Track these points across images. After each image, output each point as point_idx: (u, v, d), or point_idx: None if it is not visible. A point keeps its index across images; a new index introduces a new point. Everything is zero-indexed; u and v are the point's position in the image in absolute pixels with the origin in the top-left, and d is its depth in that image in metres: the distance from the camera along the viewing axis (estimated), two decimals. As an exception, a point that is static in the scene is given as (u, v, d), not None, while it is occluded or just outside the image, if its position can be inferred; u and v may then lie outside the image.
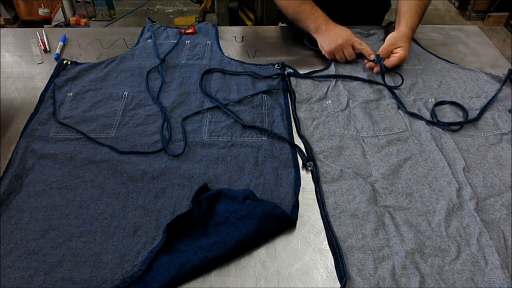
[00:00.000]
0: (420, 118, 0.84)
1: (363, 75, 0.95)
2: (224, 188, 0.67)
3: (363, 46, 0.96)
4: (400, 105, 0.87)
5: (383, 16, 1.28)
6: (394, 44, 0.95)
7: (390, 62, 0.94)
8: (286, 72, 0.95)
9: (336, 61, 0.99)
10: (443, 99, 0.89)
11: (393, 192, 0.70)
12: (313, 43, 1.03)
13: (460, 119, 0.85)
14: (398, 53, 0.94)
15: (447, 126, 0.82)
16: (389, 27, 1.11)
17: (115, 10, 2.96)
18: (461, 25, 1.35)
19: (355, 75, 0.95)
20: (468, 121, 0.84)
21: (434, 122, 0.83)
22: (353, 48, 0.97)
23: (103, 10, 2.89)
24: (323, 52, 1.00)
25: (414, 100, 0.89)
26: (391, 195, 0.70)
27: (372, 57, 0.94)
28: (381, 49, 0.95)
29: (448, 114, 0.86)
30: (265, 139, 0.79)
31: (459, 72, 0.97)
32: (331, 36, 0.96)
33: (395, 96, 0.89)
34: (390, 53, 0.95)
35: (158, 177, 0.72)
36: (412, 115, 0.85)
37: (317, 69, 0.98)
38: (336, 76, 0.94)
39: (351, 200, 0.68)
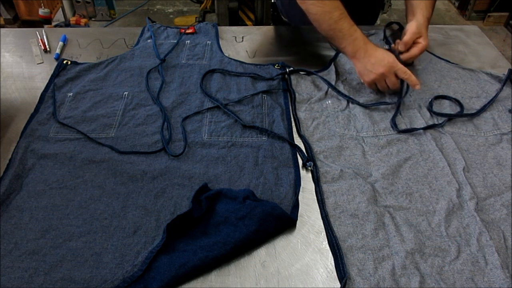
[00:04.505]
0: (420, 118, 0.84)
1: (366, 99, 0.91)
2: (224, 188, 0.67)
3: (407, 74, 0.84)
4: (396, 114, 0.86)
5: (377, 15, 1.27)
6: (417, 33, 0.91)
7: (412, 53, 0.91)
8: (288, 70, 0.94)
9: (378, 90, 0.91)
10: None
11: (393, 192, 0.70)
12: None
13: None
14: (420, 44, 0.91)
15: (445, 117, 0.83)
16: (389, 27, 1.10)
17: (115, 10, 2.96)
18: (461, 25, 1.35)
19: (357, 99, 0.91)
20: (465, 115, 0.84)
21: (432, 117, 0.84)
22: (396, 76, 0.86)
23: (103, 10, 2.89)
24: (361, 80, 0.91)
25: (414, 100, 0.89)
26: (391, 195, 0.70)
27: (418, 87, 0.84)
28: (404, 40, 0.91)
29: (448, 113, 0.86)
30: (265, 139, 0.79)
31: (459, 72, 0.97)
32: (371, 63, 0.86)
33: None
34: (412, 44, 0.92)
35: (158, 177, 0.72)
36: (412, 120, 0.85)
37: (317, 70, 0.97)
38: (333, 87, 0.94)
39: (351, 200, 0.68)
